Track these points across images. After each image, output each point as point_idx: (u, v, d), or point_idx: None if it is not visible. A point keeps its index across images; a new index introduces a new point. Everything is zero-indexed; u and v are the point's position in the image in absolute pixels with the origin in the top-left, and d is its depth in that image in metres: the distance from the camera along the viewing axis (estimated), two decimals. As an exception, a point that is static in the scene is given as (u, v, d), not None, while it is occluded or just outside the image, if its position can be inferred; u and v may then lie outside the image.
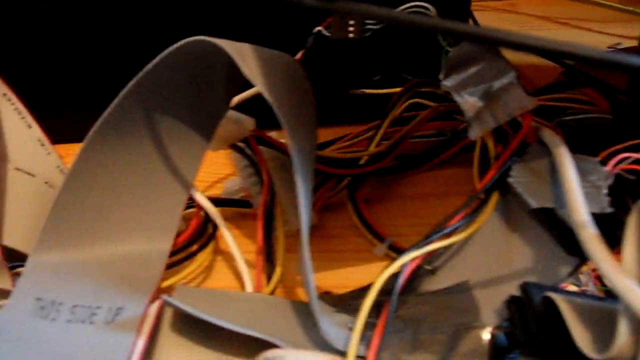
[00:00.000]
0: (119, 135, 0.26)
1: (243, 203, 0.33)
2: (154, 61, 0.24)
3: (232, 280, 0.31)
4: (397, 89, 0.38)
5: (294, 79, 0.27)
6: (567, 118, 0.36)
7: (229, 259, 0.32)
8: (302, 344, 0.24)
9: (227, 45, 0.23)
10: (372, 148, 0.34)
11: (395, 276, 0.23)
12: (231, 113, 0.29)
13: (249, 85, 0.28)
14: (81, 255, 0.27)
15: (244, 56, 0.23)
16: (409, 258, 0.23)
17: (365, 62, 0.39)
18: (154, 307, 0.25)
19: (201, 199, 0.30)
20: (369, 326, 0.23)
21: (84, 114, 0.41)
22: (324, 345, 0.23)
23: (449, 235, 0.25)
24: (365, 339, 0.22)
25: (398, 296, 0.23)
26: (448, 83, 0.28)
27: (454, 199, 0.35)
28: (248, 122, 0.30)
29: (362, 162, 0.34)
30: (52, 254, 0.27)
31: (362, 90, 0.40)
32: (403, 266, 0.23)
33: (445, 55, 0.30)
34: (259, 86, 0.22)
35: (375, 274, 0.30)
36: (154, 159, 0.28)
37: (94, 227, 0.27)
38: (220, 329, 0.24)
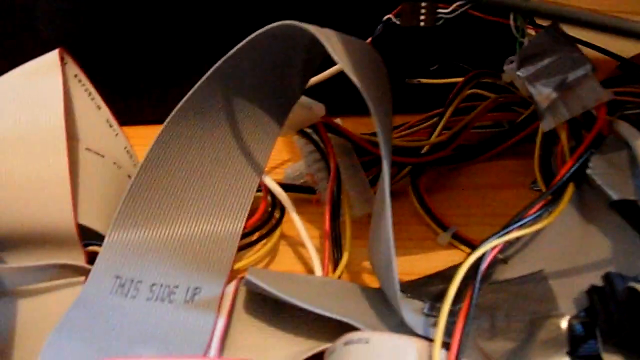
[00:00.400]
0: (198, 118, 0.27)
1: (306, 189, 0.33)
2: (240, 45, 0.25)
3: (296, 264, 0.31)
4: (452, 79, 0.37)
5: (375, 64, 0.27)
6: (628, 112, 0.36)
7: (292, 243, 0.32)
8: (378, 327, 0.24)
9: (315, 29, 0.23)
10: (434, 137, 0.34)
11: (475, 264, 0.23)
12: (303, 99, 0.30)
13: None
14: (157, 235, 0.28)
15: (331, 40, 0.23)
16: (491, 246, 0.23)
17: (424, 51, 0.39)
18: (231, 288, 0.26)
19: (270, 183, 0.30)
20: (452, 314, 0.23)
21: (148, 97, 0.42)
22: (399, 330, 0.24)
23: (526, 225, 0.25)
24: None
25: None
26: (522, 74, 0.28)
27: (511, 191, 0.35)
28: (318, 109, 0.30)
29: (423, 151, 0.34)
30: (129, 233, 0.27)
31: (418, 79, 0.40)
32: (485, 254, 0.23)
33: (520, 46, 0.30)
34: (346, 69, 0.22)
35: (439, 263, 0.30)
36: (229, 143, 0.28)
37: (170, 207, 0.28)
38: (290, 311, 0.24)
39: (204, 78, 0.25)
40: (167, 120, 0.26)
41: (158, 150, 0.26)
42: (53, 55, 0.30)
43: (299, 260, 0.31)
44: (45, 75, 0.30)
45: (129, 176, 0.33)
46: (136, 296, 0.25)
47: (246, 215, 0.29)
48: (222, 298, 0.25)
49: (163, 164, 0.27)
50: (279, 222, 0.31)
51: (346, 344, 0.22)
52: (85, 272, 0.28)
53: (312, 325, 0.25)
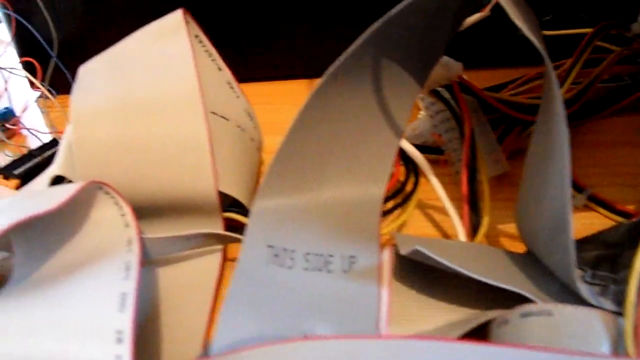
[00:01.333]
0: (346, 81, 0.25)
1: (434, 149, 0.32)
2: (399, 7, 0.23)
3: (431, 228, 0.30)
4: (565, 31, 0.36)
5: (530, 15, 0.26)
6: None
7: (425, 206, 0.31)
8: (539, 296, 0.23)
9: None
10: (564, 92, 0.33)
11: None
12: (443, 57, 0.28)
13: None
14: (303, 202, 0.27)
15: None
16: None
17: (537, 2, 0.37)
18: (387, 256, 0.25)
19: (407, 146, 0.29)
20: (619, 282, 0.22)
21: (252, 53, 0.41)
22: (559, 298, 0.23)
23: None
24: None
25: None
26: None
27: (636, 148, 0.33)
28: (457, 67, 0.29)
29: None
30: (276, 200, 0.27)
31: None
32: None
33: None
34: (519, 23, 0.21)
35: (576, 226, 0.29)
36: (372, 104, 0.27)
37: (315, 172, 0.27)
38: (443, 280, 0.24)
39: (359, 41, 0.24)
40: (319, 84, 0.25)
41: (306, 114, 0.25)
42: (177, 16, 0.29)
43: (432, 224, 0.30)
44: (172, 36, 0.29)
45: (252, 139, 0.32)
46: (292, 266, 0.25)
47: (388, 178, 0.28)
48: (381, 267, 0.25)
49: (310, 129, 0.26)
50: (415, 185, 0.30)
51: (524, 315, 0.21)
52: (226, 240, 0.28)
53: (464, 293, 0.24)
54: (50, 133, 0.39)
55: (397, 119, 0.28)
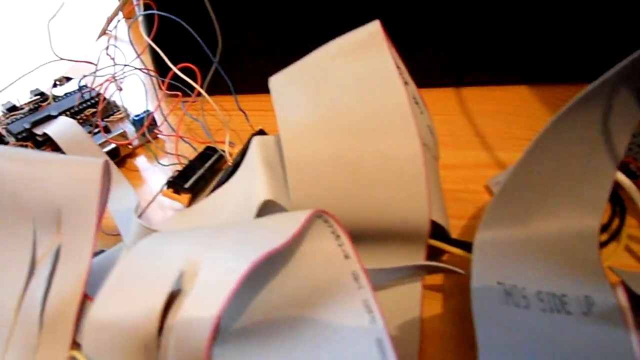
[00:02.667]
0: (586, 111, 0.23)
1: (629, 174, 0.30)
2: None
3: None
4: None
5: None
6: None
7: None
8: None
9: None
10: None
11: None
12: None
13: None
14: (524, 234, 0.25)
15: None
16: None
17: None
18: (622, 296, 0.23)
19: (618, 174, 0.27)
20: None
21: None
22: None
23: None
24: None
25: None
26: None
27: None
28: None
29: None
30: (498, 232, 0.25)
31: None
32: None
33: None
34: None
35: None
36: (598, 133, 0.25)
37: (539, 203, 0.25)
38: None
39: (609, 75, 0.22)
40: (560, 113, 0.23)
41: (541, 143, 0.24)
42: (375, 27, 0.28)
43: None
44: (372, 49, 0.27)
45: (435, 157, 0.30)
46: (528, 307, 0.23)
47: (604, 208, 0.26)
48: (623, 309, 0.23)
49: (541, 158, 0.24)
50: (623, 214, 0.28)
51: None
52: (439, 271, 0.26)
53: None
54: (202, 142, 0.37)
55: (617, 147, 0.26)
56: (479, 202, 0.33)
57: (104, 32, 0.59)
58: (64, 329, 0.24)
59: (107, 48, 0.41)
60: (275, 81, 0.28)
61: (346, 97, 0.27)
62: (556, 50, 0.40)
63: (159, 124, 0.40)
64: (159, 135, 0.40)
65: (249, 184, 0.27)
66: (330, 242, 0.24)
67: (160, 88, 0.41)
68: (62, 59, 0.44)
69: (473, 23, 0.40)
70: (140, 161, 0.39)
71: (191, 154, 0.36)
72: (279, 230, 0.23)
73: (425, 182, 0.25)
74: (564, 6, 0.38)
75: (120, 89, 0.42)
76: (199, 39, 0.33)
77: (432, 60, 0.42)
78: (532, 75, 0.42)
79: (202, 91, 0.33)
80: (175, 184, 0.31)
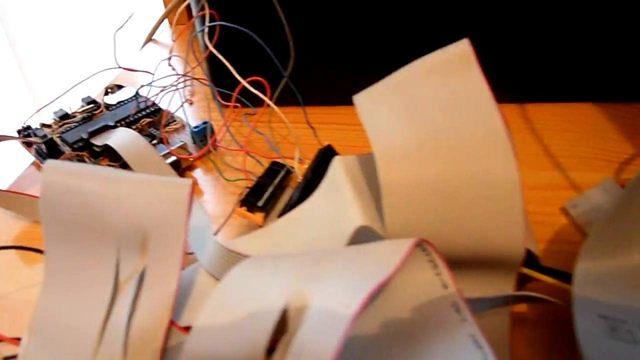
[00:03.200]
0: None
1: None
2: None
3: None
4: None
5: None
6: None
7: None
8: None
9: None
10: None
11: None
12: None
13: None
14: (622, 264, 0.24)
15: None
16: None
17: None
18: None
19: None
20: None
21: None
22: None
23: None
24: None
25: None
26: None
27: None
28: None
29: None
30: (598, 262, 0.24)
31: None
32: None
33: None
34: None
35: None
36: None
37: (634, 232, 0.24)
38: None
39: None
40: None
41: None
42: (464, 46, 0.27)
43: None
44: (462, 69, 0.26)
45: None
46: (637, 341, 0.22)
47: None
48: None
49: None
50: None
51: None
52: (531, 301, 0.25)
53: None
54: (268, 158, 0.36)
55: None
56: (555, 225, 0.32)
57: (149, 39, 0.58)
58: (151, 356, 0.23)
59: (169, 59, 0.40)
60: (362, 99, 0.27)
61: (439, 119, 0.26)
62: (624, 67, 0.39)
63: (217, 135, 0.39)
64: (219, 148, 0.39)
65: (337, 207, 0.27)
66: (428, 271, 0.23)
67: (216, 98, 0.41)
68: (122, 67, 0.43)
69: (538, 40, 0.39)
70: (200, 174, 0.38)
71: (253, 167, 0.35)
72: (382, 260, 0.22)
73: (522, 209, 0.24)
74: (632, 24, 0.37)
75: (191, 103, 0.41)
76: (270, 52, 0.33)
77: (495, 76, 0.41)
78: (597, 92, 0.41)
79: (272, 104, 0.32)
80: (249, 202, 0.30)
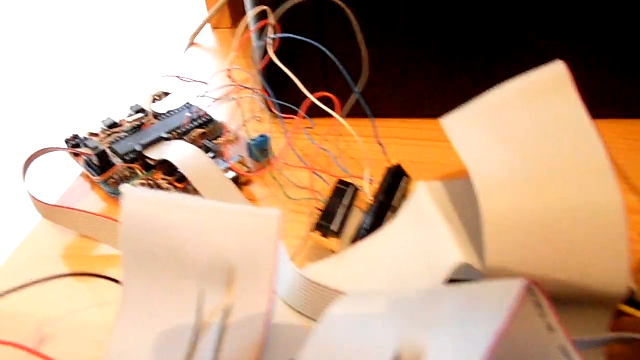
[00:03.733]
0: None
1: None
2: None
3: None
4: None
5: None
6: None
7: None
8: None
9: None
10: None
11: None
12: None
13: None
14: None
15: None
16: None
17: None
18: None
19: None
20: None
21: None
22: None
23: None
24: None
25: None
26: None
27: None
28: None
29: None
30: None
31: None
32: None
33: None
34: None
35: None
36: None
37: None
38: None
39: None
40: None
41: None
42: (560, 68, 0.25)
43: None
44: (558, 93, 0.25)
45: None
46: None
47: None
48: None
49: None
50: None
51: None
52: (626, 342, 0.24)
53: None
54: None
55: None
56: (636, 253, 0.30)
57: (191, 44, 0.57)
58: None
59: (229, 70, 0.38)
60: (452, 123, 0.26)
61: (537, 145, 0.24)
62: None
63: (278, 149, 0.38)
64: (279, 163, 0.37)
65: (426, 238, 0.25)
66: (532, 313, 0.22)
67: (271, 110, 0.39)
68: (180, 78, 0.42)
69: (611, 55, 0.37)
70: (258, 190, 0.37)
71: (316, 183, 0.33)
72: (494, 307, 0.20)
73: (627, 241, 0.23)
74: None
75: (260, 120, 0.39)
76: (341, 67, 0.31)
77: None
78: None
79: (343, 120, 0.31)
80: (323, 227, 0.29)
